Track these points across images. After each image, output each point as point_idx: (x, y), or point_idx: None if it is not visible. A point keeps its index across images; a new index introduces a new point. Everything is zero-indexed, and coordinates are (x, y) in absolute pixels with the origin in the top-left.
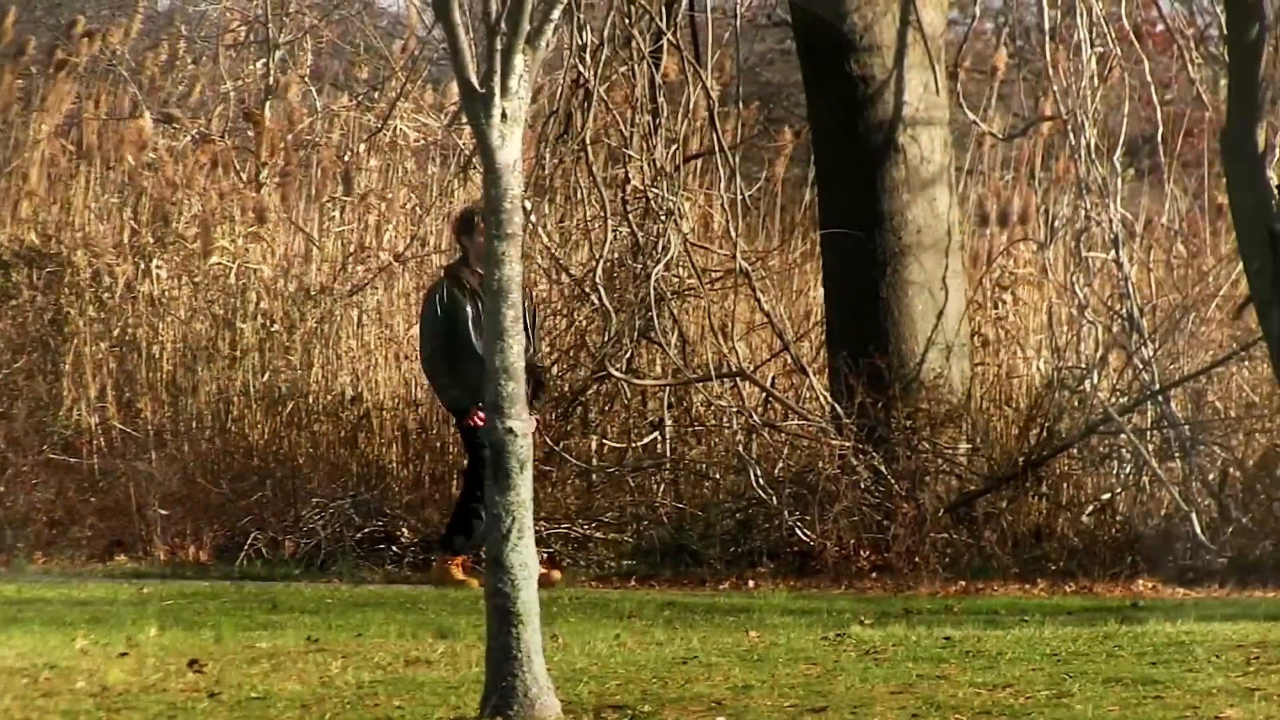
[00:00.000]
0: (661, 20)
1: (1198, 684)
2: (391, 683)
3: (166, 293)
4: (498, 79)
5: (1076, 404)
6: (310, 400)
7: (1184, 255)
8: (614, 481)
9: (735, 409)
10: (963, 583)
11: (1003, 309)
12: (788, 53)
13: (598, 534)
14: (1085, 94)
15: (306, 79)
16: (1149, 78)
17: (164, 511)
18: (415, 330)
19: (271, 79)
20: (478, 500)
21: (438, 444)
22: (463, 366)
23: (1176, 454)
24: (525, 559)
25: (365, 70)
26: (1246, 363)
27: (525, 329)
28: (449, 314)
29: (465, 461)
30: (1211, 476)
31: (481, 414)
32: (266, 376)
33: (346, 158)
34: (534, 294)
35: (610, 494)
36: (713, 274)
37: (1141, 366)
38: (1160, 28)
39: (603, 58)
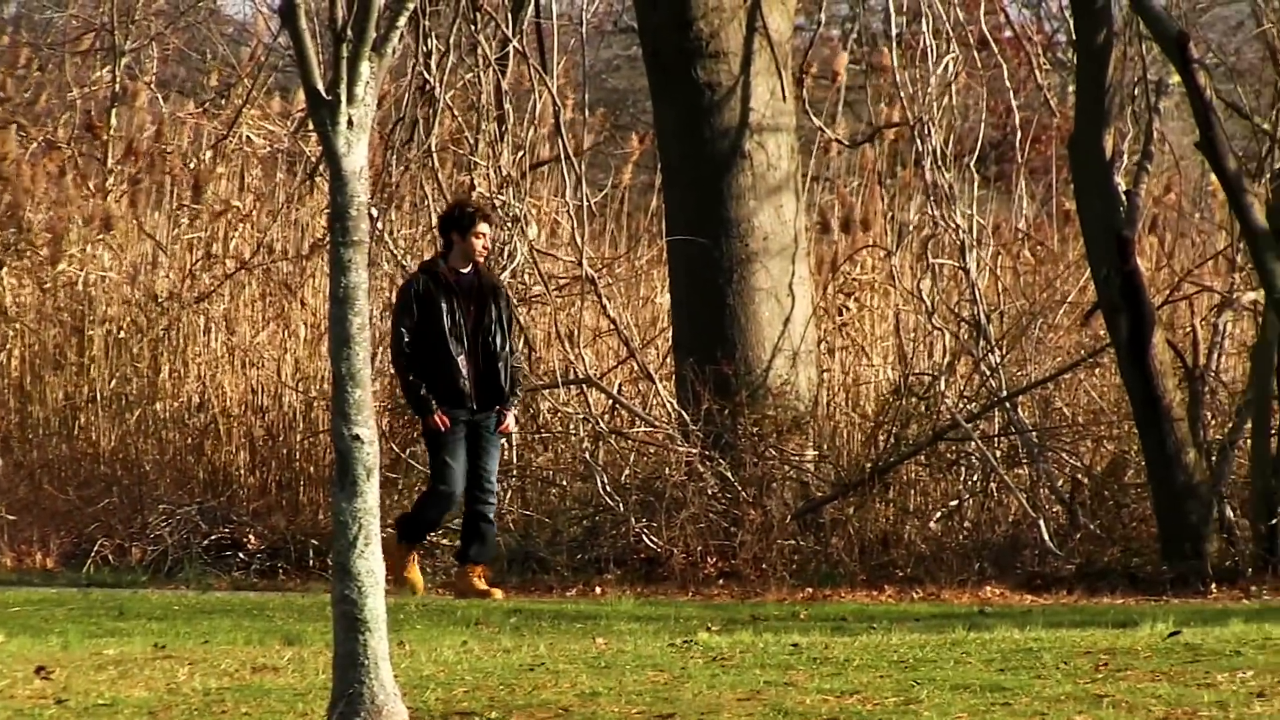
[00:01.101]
0: (507, 27)
1: (1046, 691)
2: (239, 689)
3: (15, 300)
4: (344, 86)
5: (924, 410)
6: (158, 407)
7: (1032, 261)
8: None
9: (582, 416)
10: (810, 589)
11: (850, 316)
12: (634, 59)
13: (444, 541)
14: (932, 100)
15: (153, 86)
16: (999, 83)
17: (11, 517)
18: (260, 339)
19: (118, 86)
20: (477, 502)
21: (284, 451)
22: (434, 364)
23: (1024, 460)
24: (372, 566)
25: (212, 77)
26: (1094, 369)
27: (503, 329)
28: (424, 309)
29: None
30: (1059, 483)
31: (445, 419)
32: (114, 383)
33: (194, 165)
34: (510, 296)
35: None
36: (559, 281)
37: (989, 373)
38: (1008, 34)
39: (448, 65)
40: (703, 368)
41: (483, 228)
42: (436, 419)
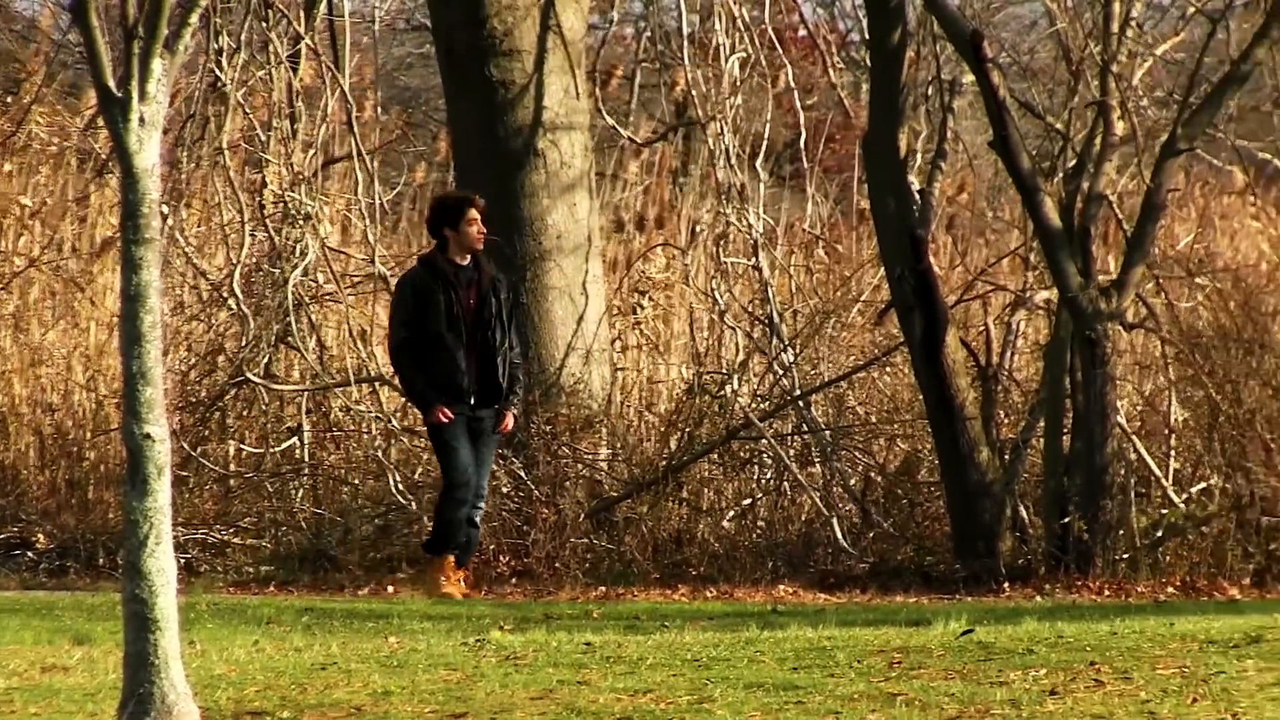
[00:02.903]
0: (300, 24)
1: (839, 689)
2: (28, 690)
3: None
4: (135, 83)
5: (717, 409)
6: None
7: (826, 260)
8: (252, 487)
9: (374, 414)
10: (603, 588)
11: (643, 314)
12: (427, 57)
13: (236, 540)
14: (725, 99)
15: None
16: (791, 83)
17: None
18: (50, 337)
19: None
20: (473, 508)
21: (74, 449)
22: (432, 359)
23: (818, 459)
24: (163, 565)
25: None
26: (887, 368)
27: (503, 324)
28: (421, 304)
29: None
30: (853, 481)
31: (447, 410)
32: None
33: None
34: (512, 288)
35: (248, 500)
36: (351, 279)
37: (782, 372)
38: (802, 33)
39: (240, 62)
40: None
41: (474, 213)
42: (439, 413)
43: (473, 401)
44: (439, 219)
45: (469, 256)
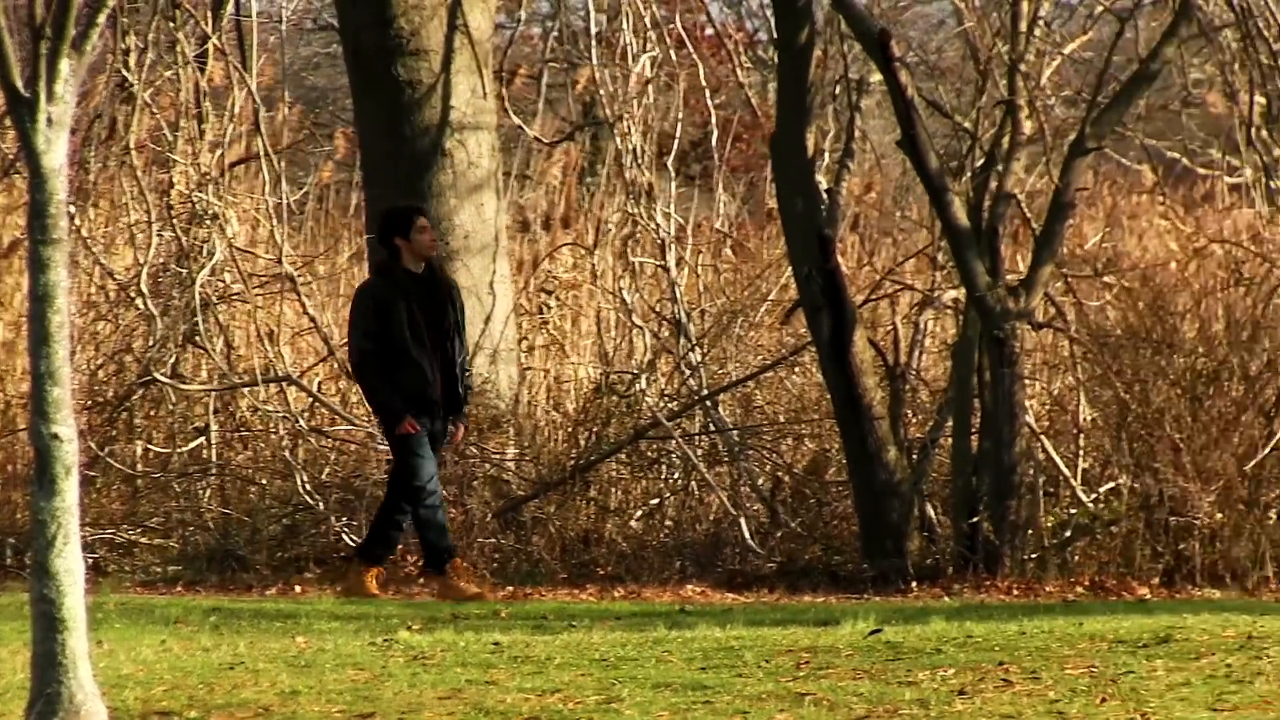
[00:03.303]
0: (207, 25)
1: (747, 689)
2: None
3: None
4: (43, 84)
5: (625, 409)
6: None
7: (733, 260)
8: (159, 487)
9: (282, 414)
10: (511, 588)
11: (550, 314)
12: (334, 57)
13: (143, 540)
14: (633, 99)
15: None
16: (699, 81)
17: None
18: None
19: None
20: (401, 512)
21: None
22: (400, 372)
23: (725, 459)
24: (70, 565)
25: None
26: (795, 367)
27: (460, 333)
28: (383, 314)
29: (388, 470)
30: (761, 481)
31: (414, 422)
32: None
33: None
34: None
35: (156, 500)
36: (259, 279)
37: (690, 371)
38: (710, 32)
39: (147, 62)
40: None
41: (423, 221)
42: (408, 425)
43: (437, 413)
44: (388, 229)
45: (424, 265)
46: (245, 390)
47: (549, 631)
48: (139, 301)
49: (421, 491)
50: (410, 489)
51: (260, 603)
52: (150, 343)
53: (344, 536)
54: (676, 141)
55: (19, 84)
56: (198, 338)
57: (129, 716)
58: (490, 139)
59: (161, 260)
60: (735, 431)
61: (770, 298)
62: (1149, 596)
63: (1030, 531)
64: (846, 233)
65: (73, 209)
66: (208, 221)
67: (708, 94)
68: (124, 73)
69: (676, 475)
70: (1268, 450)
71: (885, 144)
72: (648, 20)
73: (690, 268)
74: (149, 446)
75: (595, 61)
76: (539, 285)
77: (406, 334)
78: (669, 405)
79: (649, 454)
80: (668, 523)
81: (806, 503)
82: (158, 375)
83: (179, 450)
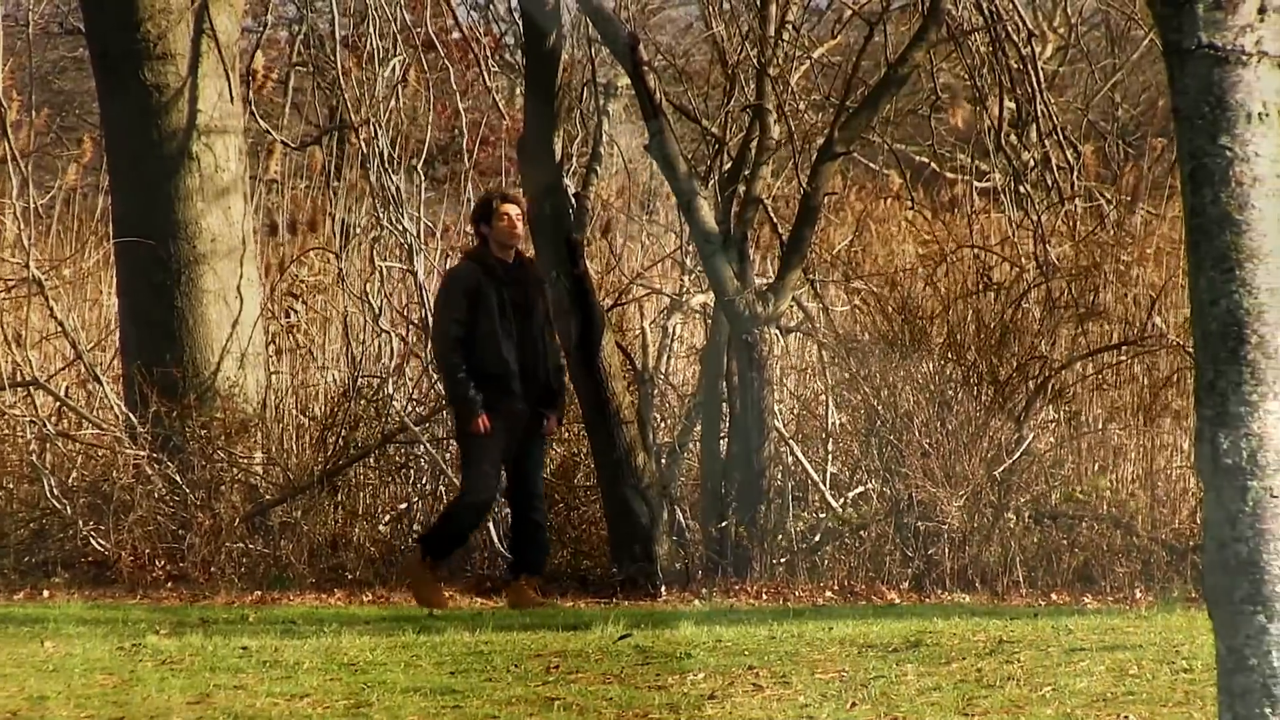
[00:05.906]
0: None
1: (497, 693)
2: None
3: None
4: None
5: (373, 413)
6: None
7: None
8: None
9: (29, 418)
10: (259, 592)
11: (298, 318)
12: (81, 61)
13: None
14: (379, 102)
15: None
16: (447, 85)
17: None
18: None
19: None
20: (537, 510)
21: None
22: (482, 362)
23: None
24: None
25: None
26: None
27: (550, 325)
28: (473, 301)
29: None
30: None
31: (488, 420)
32: None
33: None
34: (549, 289)
35: None
36: (6, 282)
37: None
38: (457, 35)
39: None
40: (151, 370)
41: (506, 208)
42: (479, 423)
43: (523, 407)
44: (475, 216)
45: (513, 254)
46: None
47: (298, 636)
48: None
49: (470, 496)
50: (461, 497)
51: (8, 607)
52: None
53: (92, 540)
54: (426, 146)
55: None
56: None
57: None
58: (237, 142)
59: None
60: None
61: None
62: (899, 601)
63: (780, 536)
64: (595, 237)
65: None
66: None
67: (456, 97)
68: None
69: (425, 480)
70: (1017, 456)
71: (633, 148)
72: (395, 24)
73: (437, 271)
74: None
75: (339, 65)
76: (286, 289)
77: (495, 324)
78: (417, 410)
79: (397, 459)
80: (416, 527)
81: (555, 507)
82: None
83: None
